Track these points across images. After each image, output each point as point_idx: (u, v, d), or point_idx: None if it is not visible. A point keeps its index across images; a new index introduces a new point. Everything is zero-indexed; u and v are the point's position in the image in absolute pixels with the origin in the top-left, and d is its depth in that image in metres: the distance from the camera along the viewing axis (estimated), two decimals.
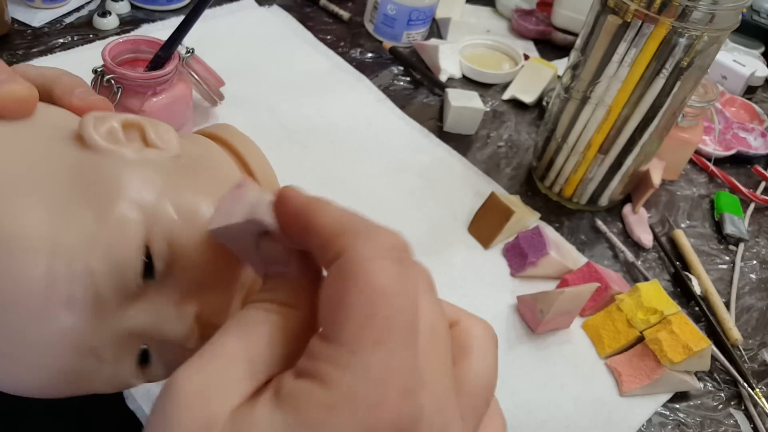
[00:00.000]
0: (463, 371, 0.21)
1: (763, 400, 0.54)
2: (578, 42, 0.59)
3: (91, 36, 0.72)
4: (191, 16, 0.54)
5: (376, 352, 0.17)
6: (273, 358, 0.20)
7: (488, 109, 0.77)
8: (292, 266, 0.22)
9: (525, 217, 0.61)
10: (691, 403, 0.53)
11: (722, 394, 0.54)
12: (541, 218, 0.64)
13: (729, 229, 0.68)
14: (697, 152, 0.77)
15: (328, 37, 0.81)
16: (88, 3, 0.76)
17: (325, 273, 0.20)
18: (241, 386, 0.18)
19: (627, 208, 0.68)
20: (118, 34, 0.73)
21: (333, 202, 0.21)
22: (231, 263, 0.27)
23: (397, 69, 0.79)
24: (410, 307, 0.18)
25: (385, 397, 0.17)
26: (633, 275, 0.62)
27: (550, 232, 0.63)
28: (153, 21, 0.76)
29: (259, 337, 0.20)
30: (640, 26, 0.53)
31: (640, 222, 0.66)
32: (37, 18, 0.72)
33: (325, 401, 0.17)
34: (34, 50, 0.68)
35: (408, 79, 0.78)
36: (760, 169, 0.78)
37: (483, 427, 0.22)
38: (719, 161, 0.78)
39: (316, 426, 0.17)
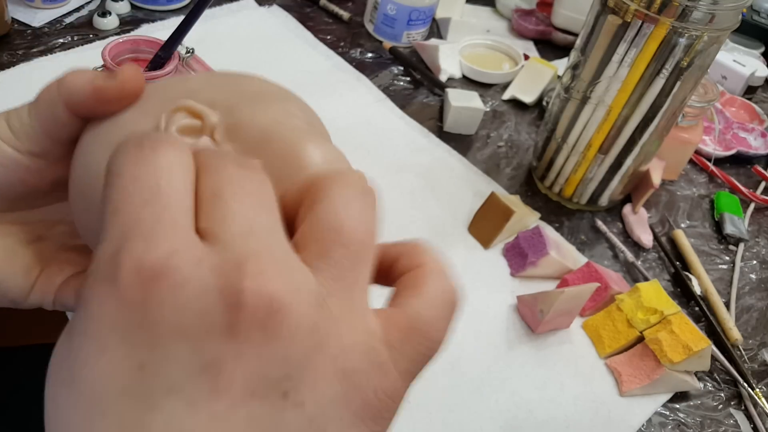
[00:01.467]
0: (309, 221, 0.19)
1: (763, 400, 0.54)
2: (578, 42, 0.59)
3: (91, 36, 0.72)
4: (191, 16, 0.54)
5: (114, 219, 0.18)
6: None
7: (488, 109, 0.77)
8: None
9: (525, 217, 0.61)
10: (691, 403, 0.53)
11: (722, 394, 0.54)
12: (541, 218, 0.64)
13: (729, 229, 0.68)
14: (697, 152, 0.77)
15: (328, 37, 0.81)
16: (88, 3, 0.76)
17: None
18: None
19: (627, 208, 0.68)
20: (118, 34, 0.73)
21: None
22: None
23: (397, 69, 0.79)
24: (369, 233, 0.20)
25: (120, 249, 0.17)
26: (633, 275, 0.62)
27: (550, 232, 0.63)
28: (153, 21, 0.76)
29: None
30: (640, 26, 0.53)
31: (640, 222, 0.66)
32: (37, 18, 0.72)
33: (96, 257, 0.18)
34: (34, 50, 0.68)
35: (408, 79, 0.78)
36: (760, 169, 0.78)
37: (410, 288, 0.21)
38: (719, 161, 0.78)
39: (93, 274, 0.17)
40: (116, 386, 0.16)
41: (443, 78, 0.78)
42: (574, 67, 0.60)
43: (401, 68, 0.79)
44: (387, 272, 0.22)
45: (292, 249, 0.18)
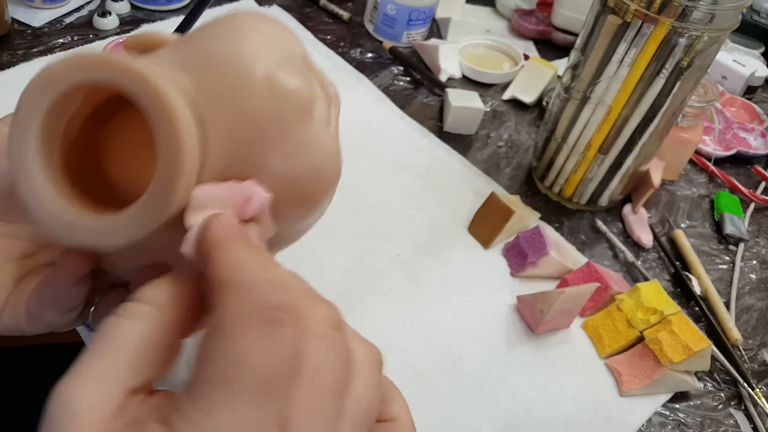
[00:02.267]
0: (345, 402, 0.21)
1: (763, 400, 0.54)
2: (578, 42, 0.59)
3: (91, 36, 0.72)
4: (191, 16, 0.54)
5: (222, 412, 0.17)
6: (141, 364, 0.20)
7: (488, 109, 0.77)
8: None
9: (525, 217, 0.61)
10: (691, 403, 0.53)
11: (722, 394, 0.54)
12: (541, 218, 0.64)
13: (729, 229, 0.68)
14: (697, 152, 0.77)
15: (328, 37, 0.81)
16: (88, 3, 0.76)
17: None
18: (105, 401, 0.19)
19: (627, 208, 0.68)
20: (118, 34, 0.73)
21: (251, 243, 0.22)
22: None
23: (397, 69, 0.79)
24: (272, 365, 0.18)
25: None
26: (633, 275, 0.62)
27: (550, 232, 0.63)
28: (153, 21, 0.76)
29: (124, 347, 0.20)
30: (640, 26, 0.53)
31: (640, 222, 0.66)
32: (37, 18, 0.72)
33: None
34: (34, 50, 0.68)
35: (408, 79, 0.78)
36: (760, 169, 0.78)
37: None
38: (719, 161, 0.78)
39: None
40: None
41: (443, 78, 0.78)
42: (574, 67, 0.60)
43: (401, 68, 0.79)
44: None
45: None
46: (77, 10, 0.75)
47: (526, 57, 0.83)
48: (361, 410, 0.21)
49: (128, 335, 0.20)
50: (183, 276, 0.22)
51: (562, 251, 0.59)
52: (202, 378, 0.18)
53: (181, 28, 0.55)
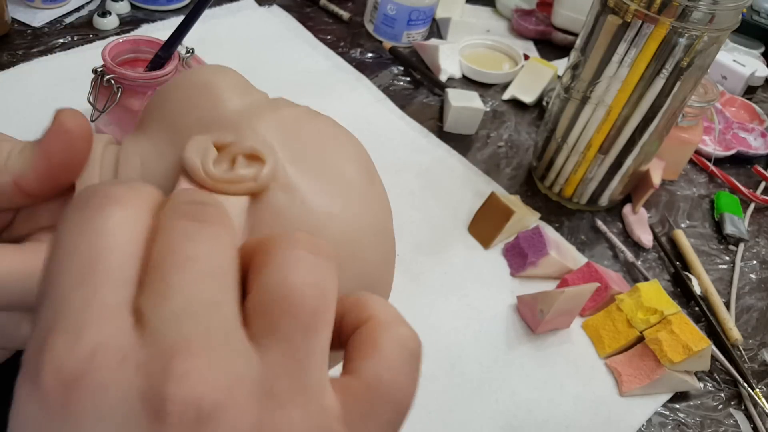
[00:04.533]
0: (252, 290, 0.17)
1: (763, 400, 0.54)
2: (578, 42, 0.59)
3: (91, 36, 0.72)
4: (191, 16, 0.54)
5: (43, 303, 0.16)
6: None
7: (488, 109, 0.77)
8: None
9: (525, 217, 0.61)
10: (691, 403, 0.53)
11: (722, 394, 0.54)
12: (541, 218, 0.64)
13: (729, 229, 0.68)
14: (697, 152, 0.77)
15: (328, 37, 0.81)
16: (88, 3, 0.76)
17: None
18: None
19: (627, 208, 0.68)
20: (118, 34, 0.73)
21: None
22: None
23: (397, 69, 0.79)
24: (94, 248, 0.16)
25: (45, 341, 0.15)
26: (633, 275, 0.62)
27: (550, 232, 0.63)
28: (153, 21, 0.76)
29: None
30: (640, 26, 0.53)
31: (640, 222, 0.66)
32: (37, 18, 0.72)
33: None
34: (34, 50, 0.68)
35: (408, 79, 0.78)
36: (760, 169, 0.78)
37: (361, 351, 0.18)
38: (719, 161, 0.78)
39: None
40: None
41: (443, 78, 0.78)
42: (574, 67, 0.60)
43: (401, 68, 0.79)
44: (334, 335, 0.19)
45: (241, 322, 0.16)
46: (77, 10, 0.75)
47: (526, 57, 0.83)
48: (278, 302, 0.17)
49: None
50: None
51: (562, 251, 0.59)
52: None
53: (181, 28, 0.55)
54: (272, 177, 0.25)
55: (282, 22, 0.81)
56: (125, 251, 0.16)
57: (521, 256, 0.58)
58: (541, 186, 0.68)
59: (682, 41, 0.52)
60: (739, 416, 0.53)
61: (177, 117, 0.28)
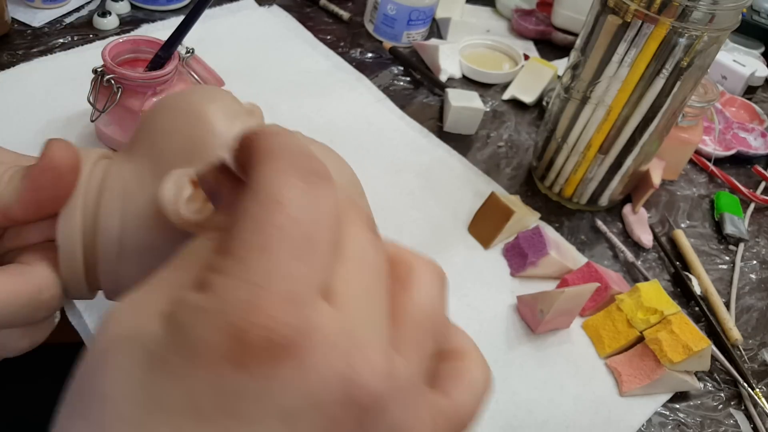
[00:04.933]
0: (403, 304, 0.20)
1: (763, 400, 0.54)
2: (578, 42, 0.59)
3: (91, 36, 0.72)
4: (191, 16, 0.54)
5: (260, 259, 0.16)
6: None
7: (488, 109, 0.77)
8: (226, 196, 0.22)
9: (525, 217, 0.61)
10: (691, 403, 0.53)
11: (722, 394, 0.54)
12: (541, 218, 0.64)
13: (729, 229, 0.68)
14: (697, 152, 0.77)
15: (328, 37, 0.81)
16: (88, 3, 0.76)
17: None
18: (156, 307, 0.17)
19: (627, 208, 0.68)
20: (118, 34, 0.73)
21: (295, 133, 0.21)
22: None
23: (397, 69, 0.79)
24: (311, 222, 0.17)
25: (259, 303, 0.15)
26: (633, 275, 0.62)
27: (550, 232, 0.63)
28: (153, 21, 0.76)
29: (190, 263, 0.19)
30: (640, 26, 0.53)
31: (640, 222, 0.66)
32: (37, 18, 0.72)
33: (198, 304, 0.16)
34: (34, 50, 0.68)
35: (408, 79, 0.78)
36: (760, 169, 0.78)
37: (456, 379, 0.22)
38: (719, 161, 0.78)
39: (185, 327, 0.16)
40: None
41: (443, 78, 0.78)
42: (574, 67, 0.60)
43: (401, 68, 0.79)
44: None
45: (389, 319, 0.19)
46: (77, 10, 0.75)
47: (526, 57, 0.83)
48: (422, 317, 0.20)
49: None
50: None
51: (562, 251, 0.59)
52: (237, 231, 0.17)
53: (181, 28, 0.55)
54: None
55: (282, 22, 0.81)
56: (332, 237, 0.18)
57: (521, 256, 0.58)
58: (541, 186, 0.68)
59: (682, 41, 0.52)
60: (739, 416, 0.53)
61: (161, 144, 0.28)
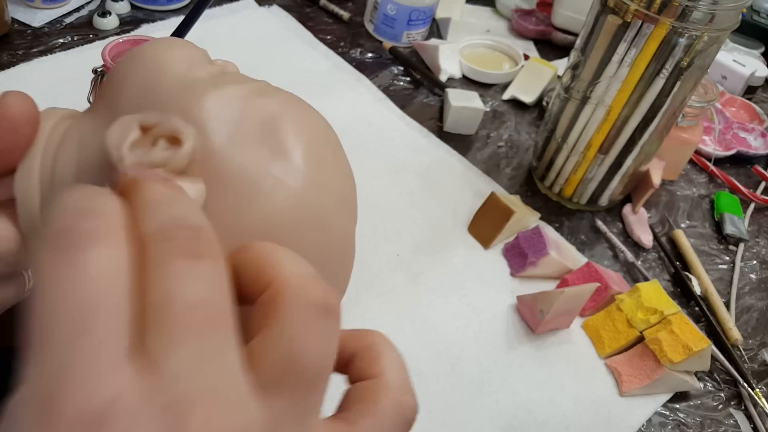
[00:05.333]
0: (262, 343, 0.18)
1: (763, 400, 0.54)
2: (578, 42, 0.59)
3: (91, 36, 0.72)
4: (191, 16, 0.54)
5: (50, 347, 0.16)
6: None
7: (488, 109, 0.77)
8: None
9: (525, 217, 0.61)
10: (691, 403, 0.53)
11: (722, 394, 0.54)
12: (541, 218, 0.64)
13: (729, 229, 0.68)
14: (697, 152, 0.77)
15: (328, 37, 0.81)
16: (88, 3, 0.76)
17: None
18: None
19: (627, 208, 0.68)
20: (118, 34, 0.73)
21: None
22: None
23: (397, 69, 0.79)
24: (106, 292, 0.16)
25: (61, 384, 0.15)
26: (633, 275, 0.62)
27: (550, 232, 0.63)
28: (153, 21, 0.76)
29: None
30: (640, 26, 0.53)
31: (640, 222, 0.66)
32: (37, 18, 0.72)
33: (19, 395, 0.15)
34: (34, 50, 0.68)
35: (408, 79, 0.78)
36: (760, 169, 0.78)
37: (359, 404, 0.20)
38: (719, 161, 0.78)
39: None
40: None
41: (443, 78, 0.78)
42: (574, 67, 0.60)
43: (401, 68, 0.79)
44: (341, 367, 0.21)
45: (244, 366, 0.17)
46: (77, 10, 0.75)
47: (526, 57, 0.83)
48: (284, 356, 0.17)
49: None
50: None
51: (562, 251, 0.59)
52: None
53: (181, 28, 0.55)
54: (186, 160, 0.24)
55: (282, 22, 0.81)
56: (118, 294, 0.16)
57: (521, 256, 0.58)
58: (541, 186, 0.68)
59: (682, 41, 0.52)
60: (739, 416, 0.53)
61: (117, 93, 0.27)
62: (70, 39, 0.71)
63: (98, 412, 0.15)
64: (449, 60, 0.79)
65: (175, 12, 0.78)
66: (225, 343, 0.16)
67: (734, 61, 0.89)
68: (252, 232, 0.23)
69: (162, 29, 0.74)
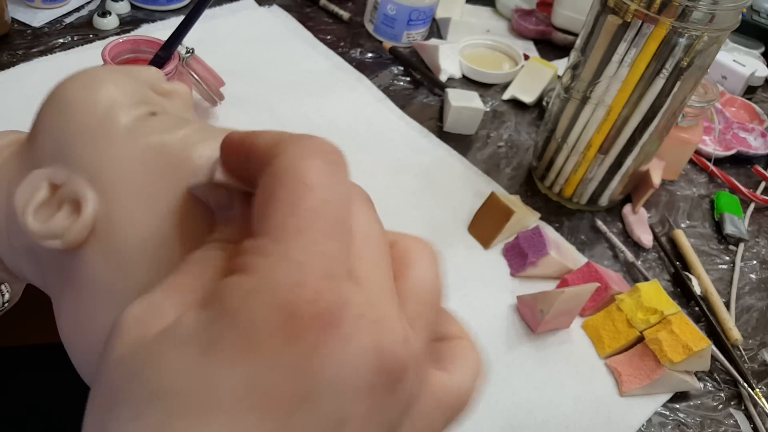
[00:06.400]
0: (405, 281, 0.21)
1: (763, 400, 0.54)
2: (578, 42, 0.59)
3: (91, 36, 0.72)
4: (191, 16, 0.54)
5: (298, 239, 0.17)
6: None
7: (488, 109, 0.77)
8: (235, 207, 0.22)
9: (525, 217, 0.61)
10: (691, 403, 0.53)
11: (722, 394, 0.54)
12: (541, 218, 0.64)
13: (729, 229, 0.68)
14: (697, 152, 0.77)
15: (328, 37, 0.81)
16: (88, 3, 0.76)
17: None
18: (178, 309, 0.18)
19: (627, 208, 0.68)
20: (118, 34, 0.73)
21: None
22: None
23: (397, 69, 0.79)
24: (338, 203, 0.18)
25: (305, 279, 0.16)
26: (633, 275, 0.62)
27: (550, 232, 0.63)
28: (153, 21, 0.76)
29: (202, 268, 0.20)
30: (640, 26, 0.53)
31: (640, 222, 0.66)
32: (37, 18, 0.72)
33: (244, 286, 0.17)
34: (34, 50, 0.68)
35: (408, 79, 0.78)
36: (760, 169, 0.78)
37: (455, 358, 0.22)
38: (719, 161, 0.78)
39: (237, 310, 0.16)
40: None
41: (443, 78, 0.78)
42: (574, 67, 0.60)
43: (401, 68, 0.79)
44: None
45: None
46: (77, 10, 0.75)
47: (526, 57, 0.83)
48: (424, 293, 0.21)
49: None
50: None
51: (562, 251, 0.59)
52: (269, 216, 0.18)
53: (181, 28, 0.55)
54: (84, 233, 0.22)
55: (282, 22, 0.81)
56: (349, 210, 0.19)
57: (521, 256, 0.58)
58: (541, 186, 0.68)
59: (682, 41, 0.52)
60: (739, 416, 0.53)
61: (36, 136, 0.26)
62: (70, 39, 0.71)
63: (335, 311, 0.16)
64: (449, 60, 0.79)
65: (175, 12, 0.78)
66: (390, 276, 0.20)
67: (734, 61, 0.89)
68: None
69: (162, 29, 0.74)
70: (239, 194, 0.22)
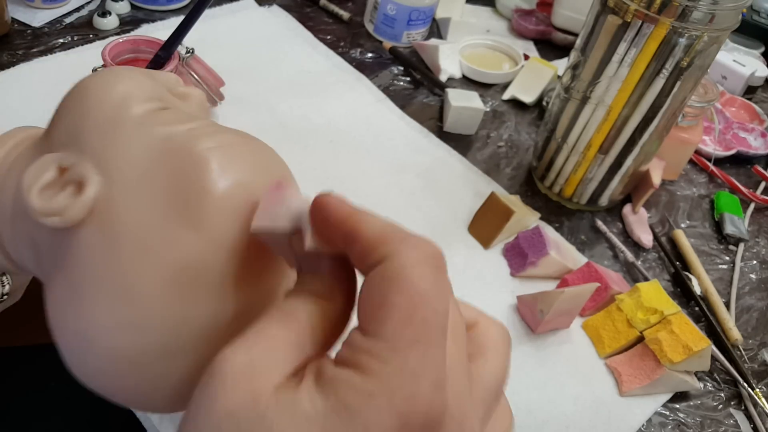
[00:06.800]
0: (478, 369, 0.23)
1: (763, 400, 0.54)
2: (578, 42, 0.59)
3: (91, 36, 0.72)
4: (191, 16, 0.54)
5: (414, 349, 0.19)
6: (312, 343, 0.21)
7: (488, 109, 0.77)
8: (324, 263, 0.23)
9: (525, 217, 0.61)
10: (691, 403, 0.53)
11: (722, 394, 0.54)
12: (541, 218, 0.64)
13: (729, 229, 0.68)
14: (697, 152, 0.77)
15: (328, 37, 0.81)
16: (88, 3, 0.76)
17: (359, 275, 0.22)
18: (283, 366, 0.20)
19: (627, 208, 0.68)
20: (118, 34, 0.73)
21: (372, 212, 0.23)
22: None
23: (397, 69, 0.79)
24: (444, 311, 0.20)
25: (419, 390, 0.18)
26: (633, 275, 0.62)
27: (550, 232, 0.63)
28: (153, 21, 0.76)
29: (300, 323, 0.21)
30: (640, 26, 0.53)
31: (640, 222, 0.66)
32: (37, 18, 0.72)
33: (364, 388, 0.18)
34: (34, 50, 0.68)
35: (408, 79, 0.78)
36: (760, 169, 0.78)
37: (493, 421, 0.24)
38: (719, 161, 0.78)
39: (354, 410, 0.18)
40: None
41: (443, 78, 0.78)
42: (574, 67, 0.60)
43: (401, 68, 0.79)
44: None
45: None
46: (77, 10, 0.75)
47: (526, 57, 0.83)
48: (493, 382, 0.24)
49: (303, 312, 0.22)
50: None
51: (562, 251, 0.59)
52: (383, 319, 0.19)
53: (181, 28, 0.55)
54: (84, 211, 0.23)
55: (282, 22, 0.81)
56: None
57: (521, 256, 0.58)
58: (541, 186, 0.68)
59: (682, 41, 0.52)
60: (739, 416, 0.53)
61: (54, 125, 0.27)
62: (70, 39, 0.71)
63: (438, 420, 0.19)
64: (449, 60, 0.79)
65: (175, 12, 0.78)
66: (467, 367, 0.23)
67: (734, 61, 0.89)
68: (142, 291, 0.23)
69: (162, 29, 0.74)
70: (327, 253, 0.23)
